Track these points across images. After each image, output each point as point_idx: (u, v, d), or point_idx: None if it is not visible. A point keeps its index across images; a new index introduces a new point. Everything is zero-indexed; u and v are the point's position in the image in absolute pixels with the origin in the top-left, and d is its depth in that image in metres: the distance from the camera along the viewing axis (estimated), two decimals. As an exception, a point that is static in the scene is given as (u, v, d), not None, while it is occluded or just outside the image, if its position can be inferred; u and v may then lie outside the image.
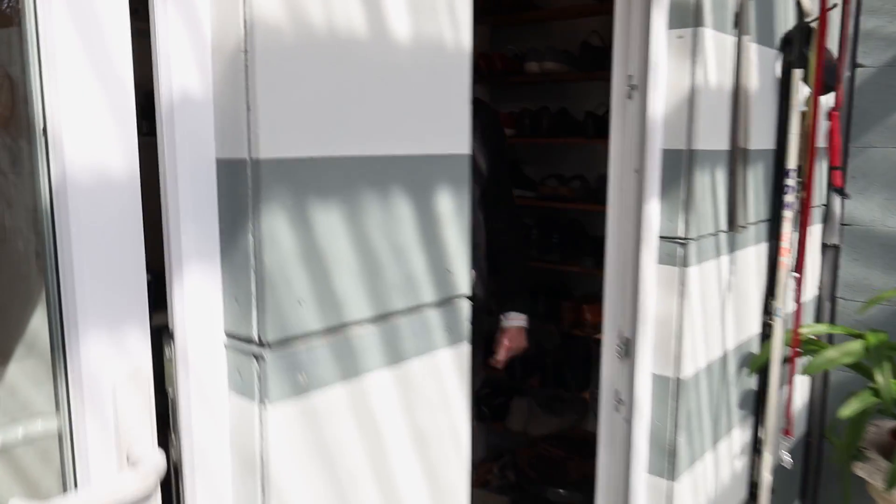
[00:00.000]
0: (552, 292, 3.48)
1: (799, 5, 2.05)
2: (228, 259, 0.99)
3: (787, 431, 2.10)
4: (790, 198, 2.01)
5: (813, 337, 2.33)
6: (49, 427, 1.03)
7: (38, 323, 1.03)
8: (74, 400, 0.98)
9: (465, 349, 1.27)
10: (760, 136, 2.29)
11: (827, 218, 3.00)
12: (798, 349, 2.10)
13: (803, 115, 2.22)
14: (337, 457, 1.06)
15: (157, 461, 0.97)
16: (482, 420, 3.50)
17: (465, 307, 1.25)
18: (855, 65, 2.90)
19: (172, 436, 1.07)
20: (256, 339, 0.97)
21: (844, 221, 2.99)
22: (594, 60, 3.22)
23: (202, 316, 1.01)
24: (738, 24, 2.02)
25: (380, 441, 1.12)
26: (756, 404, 2.54)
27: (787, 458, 2.19)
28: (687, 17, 1.90)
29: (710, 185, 2.04)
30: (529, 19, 3.58)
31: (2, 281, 1.18)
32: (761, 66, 2.20)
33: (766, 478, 2.22)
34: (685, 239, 1.98)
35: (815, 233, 2.93)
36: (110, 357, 0.96)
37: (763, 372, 2.40)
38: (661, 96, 1.96)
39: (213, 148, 0.98)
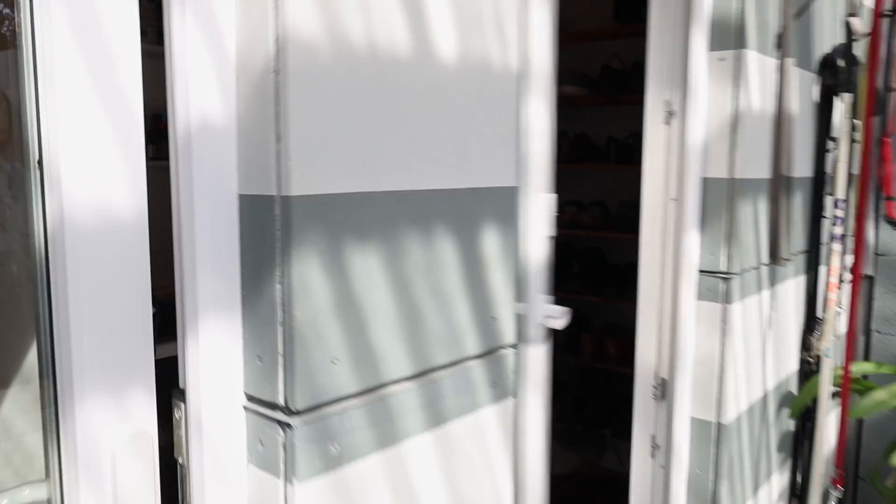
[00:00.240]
0: (571, 323, 3.34)
1: (847, 26, 1.94)
2: (251, 311, 0.85)
3: (837, 481, 1.96)
4: (839, 229, 1.88)
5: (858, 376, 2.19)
6: (38, 497, 0.91)
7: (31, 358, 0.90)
8: (67, 466, 0.86)
9: (511, 405, 1.13)
10: (798, 164, 2.17)
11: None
12: (846, 390, 1.96)
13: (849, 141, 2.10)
14: (372, 537, 0.91)
15: (163, 548, 0.83)
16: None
17: (511, 358, 1.11)
18: (889, 89, 2.79)
19: (181, 514, 0.93)
20: (283, 404, 0.83)
21: (879, 251, 2.86)
22: (615, 84, 3.11)
23: (219, 375, 0.87)
24: (781, 45, 1.91)
25: (418, 515, 0.97)
26: (794, 447, 2.39)
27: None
28: (728, 38, 1.79)
29: (753, 216, 1.92)
30: (546, 42, 3.48)
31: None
32: (799, 89, 2.09)
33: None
34: (728, 273, 1.85)
35: (847, 264, 2.80)
36: (109, 418, 0.83)
37: (804, 414, 2.25)
38: (702, 122, 1.84)
39: (236, 182, 0.85)
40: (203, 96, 0.82)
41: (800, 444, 2.37)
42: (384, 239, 0.89)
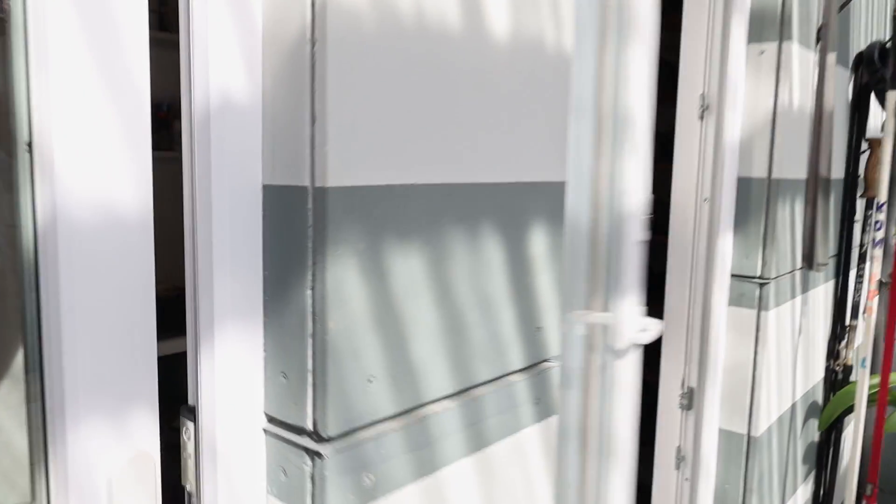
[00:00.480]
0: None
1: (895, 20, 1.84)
2: (275, 320, 0.74)
3: (871, 498, 1.86)
4: (880, 234, 1.78)
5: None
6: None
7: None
8: (57, 493, 0.75)
9: (553, 423, 1.02)
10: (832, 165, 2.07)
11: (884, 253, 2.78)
12: (883, 402, 1.86)
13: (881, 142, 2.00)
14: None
15: None
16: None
17: (555, 372, 1.00)
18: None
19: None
20: (311, 429, 0.71)
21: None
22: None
23: (236, 393, 0.76)
24: (822, 38, 1.80)
25: (455, 550, 0.86)
26: (818, 458, 2.29)
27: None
28: (771, 29, 1.68)
29: (790, 219, 1.82)
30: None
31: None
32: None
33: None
34: (764, 279, 1.75)
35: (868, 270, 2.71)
36: (105, 438, 0.72)
37: (832, 425, 2.15)
38: (738, 118, 1.74)
39: (260, 171, 0.73)
40: (224, 71, 0.70)
41: (825, 457, 2.28)
42: (427, 239, 0.78)
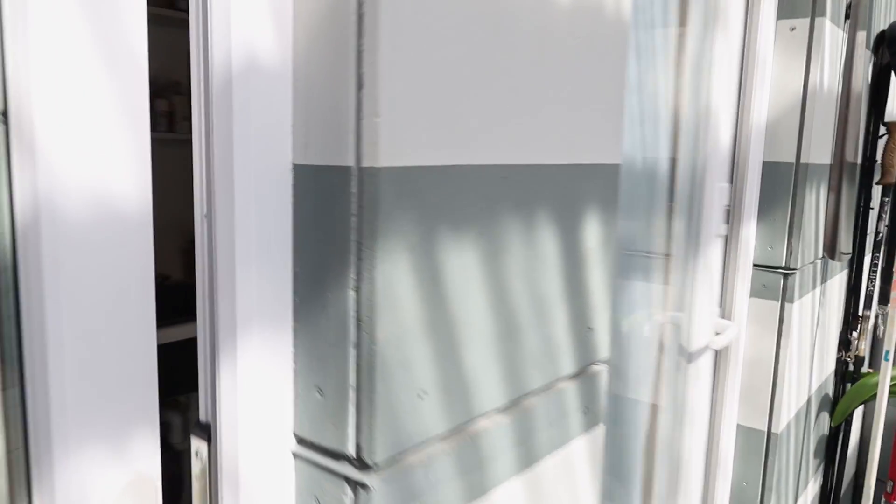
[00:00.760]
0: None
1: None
2: (308, 325, 0.62)
3: (892, 496, 1.81)
4: (907, 222, 1.71)
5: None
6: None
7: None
8: None
9: (600, 433, 0.92)
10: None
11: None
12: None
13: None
14: None
15: None
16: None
17: (604, 376, 0.90)
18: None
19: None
20: (353, 454, 0.60)
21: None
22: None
23: (260, 409, 0.64)
24: (851, 16, 1.71)
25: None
26: (827, 452, 2.24)
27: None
28: (803, 4, 1.59)
29: (815, 206, 1.74)
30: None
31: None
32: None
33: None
34: (789, 269, 1.67)
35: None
36: (99, 460, 0.61)
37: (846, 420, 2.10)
38: (765, 99, 1.64)
39: (290, 148, 0.61)
40: (247, 25, 0.58)
41: (833, 450, 2.23)
42: (483, 229, 0.66)
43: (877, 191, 2.15)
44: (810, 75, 1.60)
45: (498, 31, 0.65)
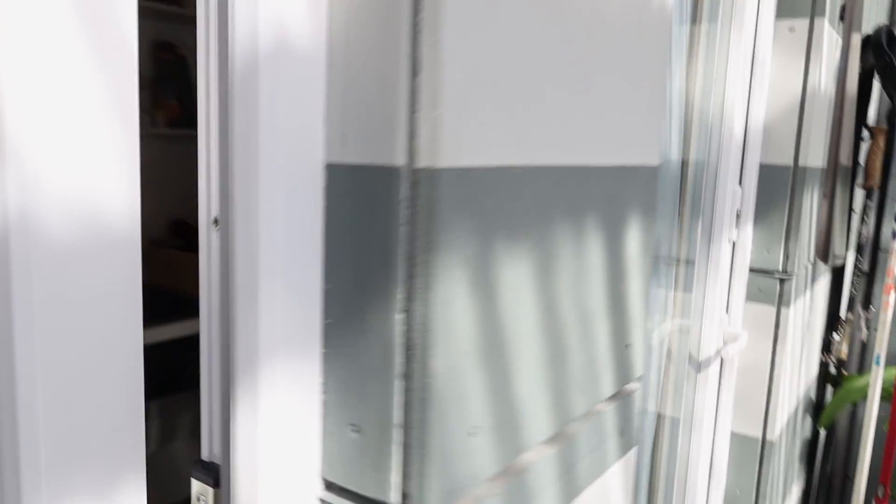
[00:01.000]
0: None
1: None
2: (342, 352, 0.53)
3: (884, 501, 1.80)
4: (900, 226, 1.70)
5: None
6: None
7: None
8: None
9: (633, 456, 0.85)
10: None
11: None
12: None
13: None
14: None
15: None
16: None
17: (639, 395, 0.83)
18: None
19: None
20: (398, 503, 0.51)
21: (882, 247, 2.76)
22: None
23: (281, 449, 0.55)
24: (846, 17, 1.69)
25: None
26: (810, 456, 2.24)
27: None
28: (802, 5, 1.56)
29: (810, 209, 1.71)
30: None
31: None
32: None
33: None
34: (785, 273, 1.64)
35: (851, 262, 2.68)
36: None
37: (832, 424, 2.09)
38: (764, 100, 1.61)
39: (322, 145, 0.52)
40: (276, 1, 0.48)
41: (817, 455, 2.23)
42: (536, 239, 0.58)
43: (859, 194, 2.16)
44: (809, 77, 1.57)
45: (554, 15, 0.57)
